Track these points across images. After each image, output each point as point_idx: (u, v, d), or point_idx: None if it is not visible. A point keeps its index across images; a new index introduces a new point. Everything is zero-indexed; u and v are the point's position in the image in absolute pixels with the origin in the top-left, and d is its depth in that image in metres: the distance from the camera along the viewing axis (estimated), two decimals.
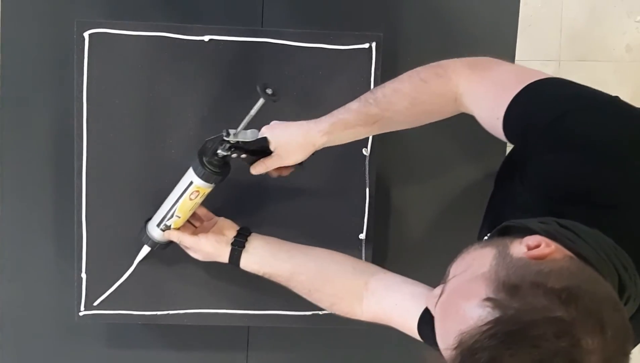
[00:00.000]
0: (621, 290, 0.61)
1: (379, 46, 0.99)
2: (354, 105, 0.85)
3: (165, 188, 0.99)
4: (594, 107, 0.68)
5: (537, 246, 0.59)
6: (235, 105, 0.99)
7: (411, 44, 1.09)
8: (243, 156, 0.87)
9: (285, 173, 0.91)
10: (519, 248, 0.60)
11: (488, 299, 0.55)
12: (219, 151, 0.85)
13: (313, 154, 0.87)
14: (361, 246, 1.03)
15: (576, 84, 0.72)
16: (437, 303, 0.63)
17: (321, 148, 0.87)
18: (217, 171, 0.87)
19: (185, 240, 0.93)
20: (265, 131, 0.87)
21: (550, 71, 1.79)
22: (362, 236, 1.03)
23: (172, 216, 0.92)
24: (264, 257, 0.93)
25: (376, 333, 1.11)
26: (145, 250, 0.98)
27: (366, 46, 0.99)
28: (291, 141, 0.86)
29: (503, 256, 0.59)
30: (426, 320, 0.78)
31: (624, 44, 1.89)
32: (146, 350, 1.11)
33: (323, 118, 0.86)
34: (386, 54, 1.00)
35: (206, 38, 0.98)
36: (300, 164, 0.89)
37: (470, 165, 1.11)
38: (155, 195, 1.00)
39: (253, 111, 0.82)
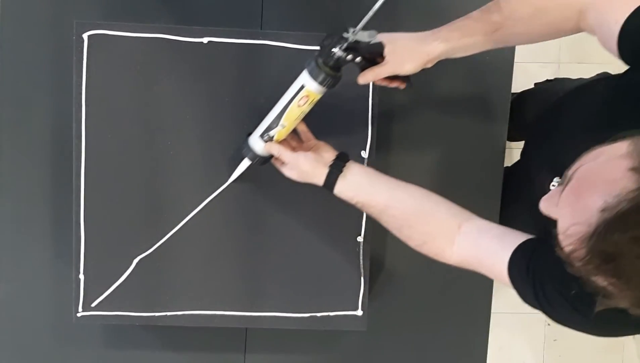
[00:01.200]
0: None
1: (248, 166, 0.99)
2: (475, 13, 0.82)
3: (164, 188, 1.00)
4: None
5: None
6: (234, 107, 1.00)
7: None
8: (357, 59, 0.83)
9: (393, 84, 0.89)
10: None
11: (633, 168, 0.53)
12: (334, 50, 0.81)
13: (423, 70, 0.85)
14: (359, 248, 1.04)
15: None
16: (562, 192, 0.60)
17: (437, 59, 0.84)
18: (331, 73, 0.84)
19: (285, 155, 0.90)
20: (381, 37, 0.84)
21: (549, 73, 1.79)
22: (360, 238, 1.03)
23: (277, 125, 0.89)
24: (361, 185, 0.89)
25: (374, 335, 1.12)
26: (245, 163, 0.96)
27: None
28: (406, 48, 0.83)
29: None
30: (515, 262, 0.77)
31: None
32: (144, 352, 1.11)
33: (441, 27, 0.83)
34: None
35: (205, 40, 0.98)
36: (409, 80, 0.88)
37: (470, 168, 1.11)
38: (153, 196, 1.00)
39: (375, 8, 0.78)
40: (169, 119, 1.00)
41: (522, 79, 1.31)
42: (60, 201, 1.05)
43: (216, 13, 1.05)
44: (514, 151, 1.39)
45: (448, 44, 0.82)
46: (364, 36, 0.82)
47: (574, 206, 0.58)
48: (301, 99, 0.86)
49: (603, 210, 0.53)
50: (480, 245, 0.84)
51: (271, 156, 0.94)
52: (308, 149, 0.93)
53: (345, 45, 0.81)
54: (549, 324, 1.90)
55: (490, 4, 0.82)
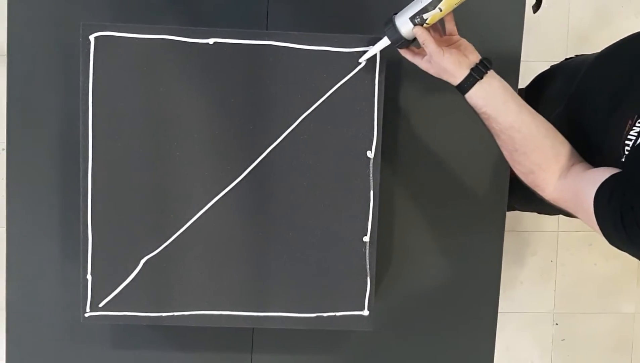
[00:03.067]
0: None
1: (383, 48, 0.99)
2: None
3: (171, 189, 1.00)
4: None
5: None
6: (240, 107, 1.00)
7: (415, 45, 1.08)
8: (439, 7, 0.83)
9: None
10: None
11: None
12: None
13: None
14: (365, 249, 1.03)
15: None
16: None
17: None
18: None
19: (430, 47, 0.87)
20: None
21: None
22: (366, 238, 1.03)
23: (434, 8, 0.84)
24: (495, 97, 0.88)
25: (381, 335, 1.11)
26: (384, 42, 0.92)
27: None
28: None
29: None
30: (601, 198, 0.79)
31: None
32: (151, 352, 1.12)
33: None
34: (391, 56, 1.00)
35: (211, 41, 0.99)
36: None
37: (476, 168, 1.11)
38: (160, 196, 1.00)
39: None
40: (176, 120, 1.00)
41: (528, 78, 1.30)
42: (67, 202, 1.06)
43: (222, 14, 1.05)
44: None
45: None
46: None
47: None
48: None
49: None
50: (583, 180, 0.85)
51: (410, 42, 0.91)
52: (450, 44, 0.91)
53: None
54: (556, 323, 1.89)
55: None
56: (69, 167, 1.04)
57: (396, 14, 0.90)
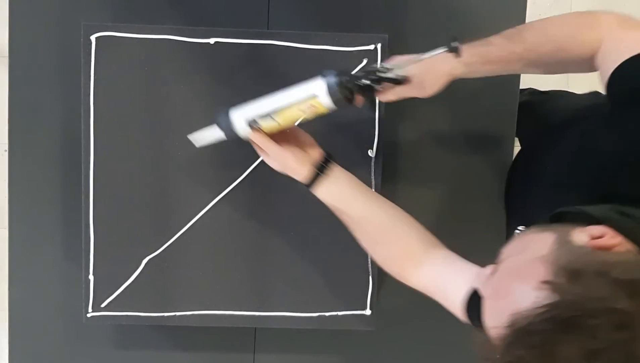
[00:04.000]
0: None
1: (384, 47, 0.99)
2: (495, 40, 0.83)
3: (173, 189, 1.00)
4: None
5: (601, 236, 0.57)
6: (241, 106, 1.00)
7: (417, 45, 1.08)
8: (379, 87, 0.83)
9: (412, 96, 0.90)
10: (581, 236, 0.58)
11: (547, 282, 0.53)
12: (363, 81, 0.80)
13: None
14: None
15: None
16: (488, 281, 0.61)
17: (456, 78, 0.85)
18: (349, 97, 0.80)
19: (272, 148, 0.85)
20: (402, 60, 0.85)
21: None
22: None
23: (269, 118, 0.82)
24: (342, 192, 0.89)
25: (383, 335, 1.11)
26: (217, 135, 0.88)
27: (372, 47, 0.99)
28: (428, 72, 0.84)
29: (564, 242, 0.57)
30: (474, 301, 0.77)
31: None
32: (153, 352, 1.12)
33: (464, 48, 0.84)
34: (392, 55, 0.99)
35: (212, 40, 0.99)
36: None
37: (478, 166, 1.11)
38: (162, 196, 1.00)
39: (427, 55, 0.78)
40: (177, 120, 1.00)
41: (529, 77, 1.29)
42: (69, 203, 1.06)
43: (223, 13, 1.05)
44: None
45: (468, 68, 0.83)
46: (395, 72, 0.82)
47: (494, 303, 0.60)
48: (308, 107, 0.81)
49: (511, 324, 0.54)
50: (442, 274, 0.86)
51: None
52: (291, 138, 0.88)
53: (374, 77, 0.80)
54: None
55: (513, 32, 0.83)
56: (71, 168, 1.04)
57: (233, 107, 0.86)
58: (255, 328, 1.12)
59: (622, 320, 0.50)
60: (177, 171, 1.00)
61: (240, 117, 0.85)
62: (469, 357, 1.22)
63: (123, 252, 1.01)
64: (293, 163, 0.86)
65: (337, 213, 0.90)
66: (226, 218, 1.02)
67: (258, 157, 0.99)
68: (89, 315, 1.02)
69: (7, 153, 1.06)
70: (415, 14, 1.08)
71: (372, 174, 1.01)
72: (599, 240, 0.57)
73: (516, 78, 1.10)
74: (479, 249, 1.09)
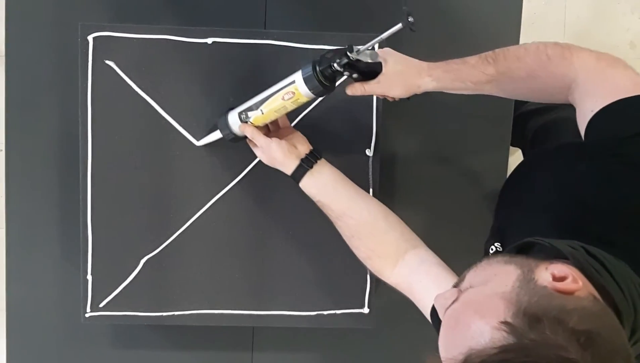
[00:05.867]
0: (634, 330, 0.60)
1: (381, 46, 0.99)
2: (472, 59, 0.84)
3: (170, 188, 1.00)
4: None
5: (564, 278, 0.57)
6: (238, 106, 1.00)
7: (414, 44, 1.08)
8: (354, 76, 0.85)
9: (389, 98, 0.91)
10: (545, 274, 0.58)
11: (505, 322, 0.53)
12: (334, 64, 0.81)
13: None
14: None
15: None
16: (447, 309, 0.61)
17: (425, 91, 0.87)
18: (324, 83, 0.84)
19: (259, 139, 0.92)
20: (381, 56, 0.86)
21: None
22: None
23: (256, 109, 0.90)
24: (326, 186, 0.92)
25: (381, 333, 1.12)
26: (216, 135, 0.97)
27: None
28: (400, 75, 0.85)
29: (527, 280, 0.57)
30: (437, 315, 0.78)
31: (628, 40, 1.88)
32: (151, 351, 1.12)
33: (438, 64, 0.86)
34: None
35: (209, 40, 0.99)
36: (408, 98, 0.89)
37: (475, 167, 1.11)
38: (160, 196, 1.01)
39: (385, 35, 0.79)
40: (175, 120, 1.00)
41: None
42: (67, 203, 1.05)
43: (220, 13, 1.05)
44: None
45: (439, 83, 0.85)
46: (365, 56, 0.83)
47: (450, 333, 0.59)
48: (287, 93, 0.86)
49: (464, 359, 0.54)
50: (416, 278, 0.87)
51: (245, 136, 0.95)
52: (284, 136, 0.94)
53: (345, 61, 0.81)
54: None
55: (488, 54, 0.84)
56: (68, 167, 1.03)
57: (232, 108, 0.94)
58: (254, 327, 1.12)
59: None
60: (175, 171, 1.00)
61: (234, 114, 0.93)
62: None
63: (121, 252, 1.01)
64: (280, 155, 0.91)
65: (321, 207, 0.93)
66: (224, 217, 1.02)
67: (255, 158, 1.00)
68: (87, 315, 1.02)
69: (3, 153, 1.06)
70: (413, 14, 1.08)
71: (370, 173, 1.02)
72: (561, 283, 0.57)
73: None
74: (476, 246, 1.10)
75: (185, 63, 0.99)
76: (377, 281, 1.07)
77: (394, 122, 1.08)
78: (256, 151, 0.95)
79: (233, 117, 0.93)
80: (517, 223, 0.77)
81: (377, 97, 1.01)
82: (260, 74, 1.00)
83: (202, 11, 1.05)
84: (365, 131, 1.01)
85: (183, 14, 1.05)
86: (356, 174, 1.02)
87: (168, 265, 1.02)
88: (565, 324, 0.52)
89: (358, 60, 0.82)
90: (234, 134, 0.95)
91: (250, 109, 0.91)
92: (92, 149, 0.99)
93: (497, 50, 0.84)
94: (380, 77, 0.85)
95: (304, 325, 1.05)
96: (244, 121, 0.92)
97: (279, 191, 1.02)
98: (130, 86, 0.99)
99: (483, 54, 0.84)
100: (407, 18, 0.75)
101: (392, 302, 1.12)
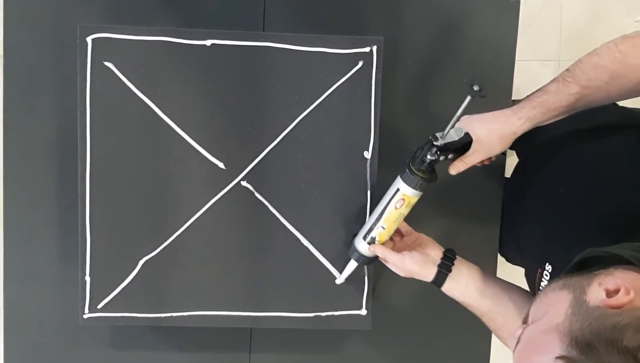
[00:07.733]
0: None
1: (379, 49, 1.00)
2: (552, 86, 0.83)
3: (169, 190, 1.00)
4: None
5: (617, 290, 0.57)
6: (237, 109, 1.00)
7: (412, 47, 1.09)
8: (450, 156, 0.88)
9: (486, 162, 0.92)
10: (597, 292, 0.57)
11: (561, 357, 0.54)
12: (427, 157, 0.85)
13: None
14: None
15: None
16: (515, 349, 0.62)
17: (524, 132, 0.86)
18: (425, 176, 0.88)
19: (391, 257, 0.93)
20: (465, 127, 0.87)
21: (550, 71, 1.79)
22: None
23: (377, 227, 0.94)
24: (469, 288, 0.92)
25: (379, 334, 1.12)
26: (353, 264, 1.00)
27: (367, 49, 1.00)
28: (492, 134, 0.85)
29: (579, 304, 0.57)
30: None
31: None
32: (150, 352, 1.12)
33: (521, 104, 0.85)
34: (387, 57, 1.00)
35: (208, 42, 0.99)
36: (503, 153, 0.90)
37: (473, 168, 1.12)
38: (158, 198, 1.01)
39: (460, 111, 0.80)
40: (173, 121, 1.00)
41: (523, 78, 1.31)
42: (65, 203, 1.06)
43: (219, 15, 1.06)
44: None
45: (533, 122, 0.84)
46: (450, 136, 0.85)
47: None
48: (398, 202, 0.90)
49: None
50: None
51: (374, 258, 0.96)
52: (410, 243, 0.95)
53: (434, 150, 0.84)
54: None
55: (564, 73, 0.83)
56: (67, 168, 1.04)
57: (356, 235, 0.98)
58: (251, 329, 1.12)
59: None
60: (173, 172, 1.00)
61: (359, 239, 0.97)
62: (464, 356, 1.24)
63: (119, 253, 1.01)
64: (416, 268, 0.91)
65: (466, 307, 0.93)
66: (222, 219, 1.02)
67: (255, 158, 1.00)
68: (85, 316, 1.02)
69: (2, 154, 1.06)
70: (411, 16, 1.08)
71: (368, 175, 1.02)
72: (613, 299, 0.56)
73: (508, 82, 1.11)
74: (475, 248, 1.11)
75: (184, 65, 0.99)
76: (374, 283, 1.08)
77: (392, 124, 1.08)
78: (391, 267, 0.95)
79: (360, 243, 0.96)
80: (562, 240, 0.76)
81: (374, 100, 1.01)
82: (258, 76, 1.00)
83: (201, 13, 1.05)
84: (363, 133, 1.02)
85: (182, 16, 1.05)
86: (354, 177, 1.02)
87: (166, 267, 1.02)
88: (619, 343, 0.52)
89: (446, 143, 0.84)
90: (368, 258, 0.97)
91: (371, 229, 0.94)
92: (91, 150, 0.99)
93: (569, 67, 0.83)
94: (474, 145, 0.86)
95: (302, 327, 1.05)
96: (370, 242, 0.95)
97: (277, 193, 1.02)
98: (129, 88, 0.99)
99: (559, 76, 0.83)
100: (472, 88, 0.76)
101: (389, 304, 1.13)
